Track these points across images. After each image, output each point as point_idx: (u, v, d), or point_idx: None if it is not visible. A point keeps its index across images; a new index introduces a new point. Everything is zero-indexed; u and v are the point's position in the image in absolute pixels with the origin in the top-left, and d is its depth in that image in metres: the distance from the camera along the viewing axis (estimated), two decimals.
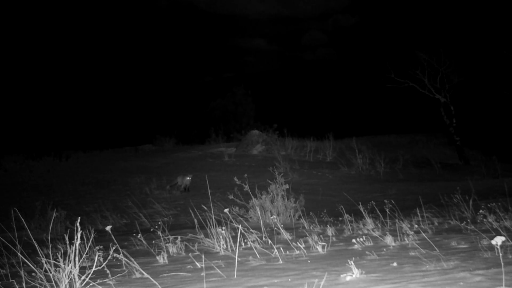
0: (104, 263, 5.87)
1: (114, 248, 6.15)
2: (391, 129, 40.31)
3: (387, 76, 30.78)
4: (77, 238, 5.49)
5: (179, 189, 18.24)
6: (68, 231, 6.80)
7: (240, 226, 7.13)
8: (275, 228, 8.85)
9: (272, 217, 9.51)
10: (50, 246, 6.29)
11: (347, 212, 9.35)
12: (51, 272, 5.52)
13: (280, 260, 6.60)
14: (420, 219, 9.08)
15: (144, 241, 8.27)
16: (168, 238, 8.13)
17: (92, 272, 5.54)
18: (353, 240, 7.29)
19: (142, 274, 6.03)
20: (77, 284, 5.57)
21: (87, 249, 6.29)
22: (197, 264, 6.69)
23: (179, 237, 8.09)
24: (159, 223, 9.83)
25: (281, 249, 7.15)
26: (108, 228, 6.33)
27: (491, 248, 6.04)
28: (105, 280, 5.85)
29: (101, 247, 6.51)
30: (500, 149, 29.63)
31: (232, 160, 25.89)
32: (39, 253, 5.85)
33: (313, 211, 11.40)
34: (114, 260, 6.57)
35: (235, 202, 11.03)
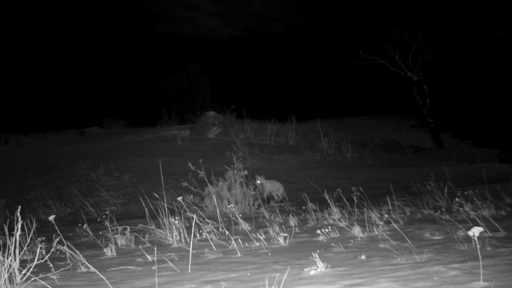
0: (47, 256, 5.83)
1: (57, 239, 6.08)
2: (359, 111, 40.58)
3: (355, 53, 30.94)
4: (17, 229, 5.49)
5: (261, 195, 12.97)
6: (8, 221, 6.80)
7: (194, 216, 7.15)
8: (233, 218, 8.89)
9: (230, 206, 9.56)
10: None
11: (311, 201, 9.42)
12: None
13: (239, 252, 6.66)
14: (390, 208, 9.19)
15: (90, 232, 8.27)
16: (117, 229, 8.13)
17: (33, 265, 5.52)
18: (318, 231, 7.27)
19: (88, 267, 6.02)
20: (18, 279, 5.56)
21: (28, 240, 6.26)
22: (148, 257, 6.72)
23: (128, 227, 8.09)
24: (107, 212, 9.78)
25: (240, 240, 7.21)
26: (51, 218, 6.30)
27: (468, 239, 6.07)
28: (48, 275, 5.83)
29: (44, 238, 6.48)
30: (477, 132, 30.02)
31: (186, 144, 25.85)
32: None
33: (275, 199, 11.52)
34: (58, 252, 6.56)
35: (189, 190, 11.08)
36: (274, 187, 12.94)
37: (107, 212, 9.72)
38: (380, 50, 30.97)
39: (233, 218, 8.87)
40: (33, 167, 20.94)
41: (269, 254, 6.53)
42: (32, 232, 6.32)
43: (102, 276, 5.40)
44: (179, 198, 7.99)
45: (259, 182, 12.67)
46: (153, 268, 6.02)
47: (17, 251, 5.55)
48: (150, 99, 40.34)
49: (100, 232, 8.30)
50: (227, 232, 7.58)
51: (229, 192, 11.43)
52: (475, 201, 8.66)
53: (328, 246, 6.67)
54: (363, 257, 5.86)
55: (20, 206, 5.86)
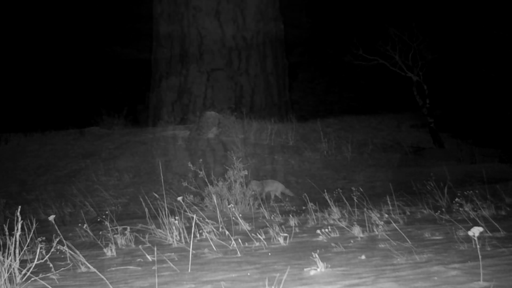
0: (47, 256, 5.83)
1: (57, 239, 6.09)
2: (359, 110, 40.48)
3: (354, 53, 30.86)
4: (17, 229, 5.49)
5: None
6: (8, 221, 6.80)
7: (194, 216, 7.16)
8: (233, 218, 8.88)
9: (230, 206, 9.57)
10: None
11: (311, 201, 9.44)
12: None
13: (239, 252, 6.66)
14: (390, 208, 9.18)
15: (90, 232, 8.28)
16: (117, 229, 8.13)
17: (33, 265, 5.53)
18: (318, 231, 7.31)
19: (88, 267, 6.03)
20: (18, 278, 5.56)
21: (28, 240, 6.27)
22: (148, 257, 6.72)
23: (128, 227, 8.09)
24: (107, 212, 9.78)
25: (240, 240, 7.21)
26: (51, 217, 6.30)
27: (468, 239, 6.08)
28: (48, 274, 5.84)
29: (44, 238, 6.49)
30: (477, 132, 29.95)
31: (186, 144, 25.81)
32: None
33: (274, 199, 11.50)
34: (58, 252, 6.57)
35: (189, 190, 11.09)
36: (272, 187, 12.92)
37: (107, 212, 9.72)
38: (380, 50, 30.90)
39: (233, 218, 8.86)
40: (33, 167, 20.92)
41: (269, 254, 6.53)
42: (32, 232, 6.33)
43: (102, 276, 5.40)
44: (179, 198, 8.00)
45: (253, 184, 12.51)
46: (153, 268, 6.02)
47: (17, 251, 5.55)
48: (150, 99, 40.24)
49: (100, 232, 8.31)
50: (227, 232, 7.58)
51: (229, 192, 11.42)
52: (475, 201, 8.67)
53: (328, 246, 6.68)
54: (363, 257, 5.86)
55: (20, 206, 5.87)
